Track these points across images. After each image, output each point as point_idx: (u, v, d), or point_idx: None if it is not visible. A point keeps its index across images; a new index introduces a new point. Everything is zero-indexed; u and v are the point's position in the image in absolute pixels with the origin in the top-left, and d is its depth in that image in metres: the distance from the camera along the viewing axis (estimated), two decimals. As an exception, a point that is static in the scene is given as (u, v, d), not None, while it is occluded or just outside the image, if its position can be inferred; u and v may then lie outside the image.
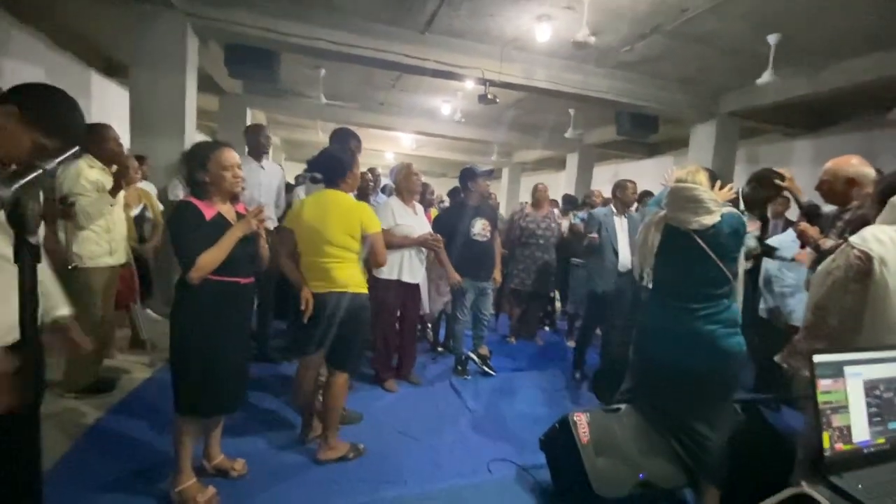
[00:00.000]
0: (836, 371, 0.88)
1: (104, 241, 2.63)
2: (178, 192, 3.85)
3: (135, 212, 3.45)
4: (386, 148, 11.74)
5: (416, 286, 3.25)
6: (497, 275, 3.60)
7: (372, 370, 3.23)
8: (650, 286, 2.15)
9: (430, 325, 4.20)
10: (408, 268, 3.11)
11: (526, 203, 4.54)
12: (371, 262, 2.23)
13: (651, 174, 9.22)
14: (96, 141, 2.60)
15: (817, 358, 0.86)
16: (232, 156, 1.77)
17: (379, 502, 1.98)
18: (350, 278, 2.13)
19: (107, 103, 6.08)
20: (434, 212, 4.11)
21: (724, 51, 4.57)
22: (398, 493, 2.05)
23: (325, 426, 2.20)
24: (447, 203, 5.22)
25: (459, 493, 2.09)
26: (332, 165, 2.20)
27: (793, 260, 3.00)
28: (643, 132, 6.20)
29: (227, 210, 1.81)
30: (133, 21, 4.02)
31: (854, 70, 4.42)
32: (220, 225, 1.74)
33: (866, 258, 1.40)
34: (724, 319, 1.97)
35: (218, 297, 1.74)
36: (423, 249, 3.16)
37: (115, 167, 2.63)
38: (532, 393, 3.35)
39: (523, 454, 2.41)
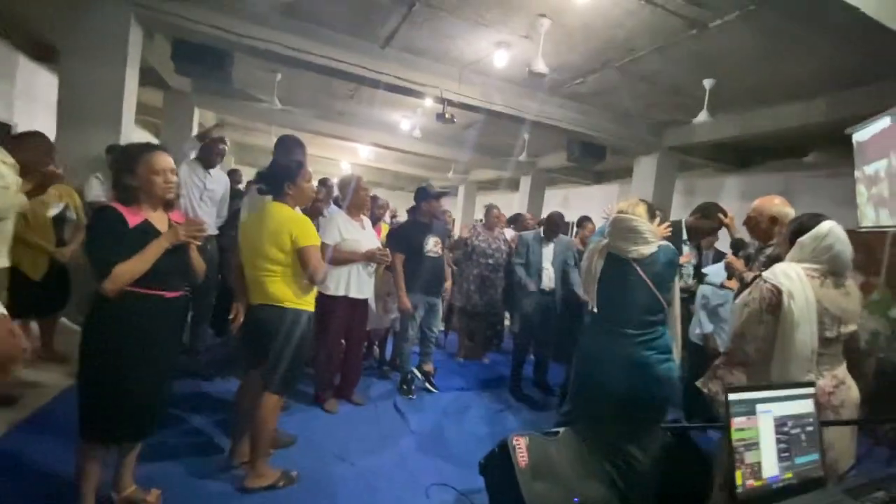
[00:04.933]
0: (750, 409, 0.93)
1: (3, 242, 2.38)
2: (96, 192, 3.58)
3: (53, 211, 3.14)
4: (342, 157, 11.55)
5: (365, 302, 3.18)
6: (447, 287, 3.65)
7: (312, 389, 3.10)
8: (594, 310, 2.22)
9: (376, 343, 4.11)
10: (355, 283, 3.03)
11: (479, 222, 4.60)
12: (307, 278, 2.08)
13: (598, 200, 9.68)
14: (24, 150, 2.37)
15: (732, 396, 0.91)
16: (164, 160, 1.65)
17: (308, 533, 1.87)
18: (284, 293, 2.03)
19: (34, 89, 5.59)
20: (385, 227, 4.05)
21: (666, 90, 4.90)
22: (330, 522, 1.95)
23: (252, 451, 2.05)
24: (399, 219, 5.19)
25: (395, 521, 2.02)
26: (275, 176, 2.11)
27: (722, 286, 3.20)
28: (591, 160, 6.50)
29: (158, 217, 1.68)
30: (71, 8, 3.74)
31: (778, 117, 4.87)
32: (146, 233, 1.60)
33: (777, 291, 1.53)
34: (659, 346, 2.06)
35: (140, 311, 1.60)
36: (372, 264, 3.10)
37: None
38: (477, 413, 3.34)
39: (464, 477, 2.37)
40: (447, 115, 5.20)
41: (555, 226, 3.81)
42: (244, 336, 2.07)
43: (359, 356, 3.29)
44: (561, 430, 2.22)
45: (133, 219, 1.59)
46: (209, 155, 3.31)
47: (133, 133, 4.24)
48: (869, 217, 4.03)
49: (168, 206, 1.73)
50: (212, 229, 3.28)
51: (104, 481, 1.73)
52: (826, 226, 1.61)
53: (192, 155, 3.32)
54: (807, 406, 1.02)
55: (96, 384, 1.60)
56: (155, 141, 7.17)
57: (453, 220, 5.27)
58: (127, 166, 1.61)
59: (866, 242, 4.99)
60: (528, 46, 4.17)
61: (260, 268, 2.02)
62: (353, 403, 3.16)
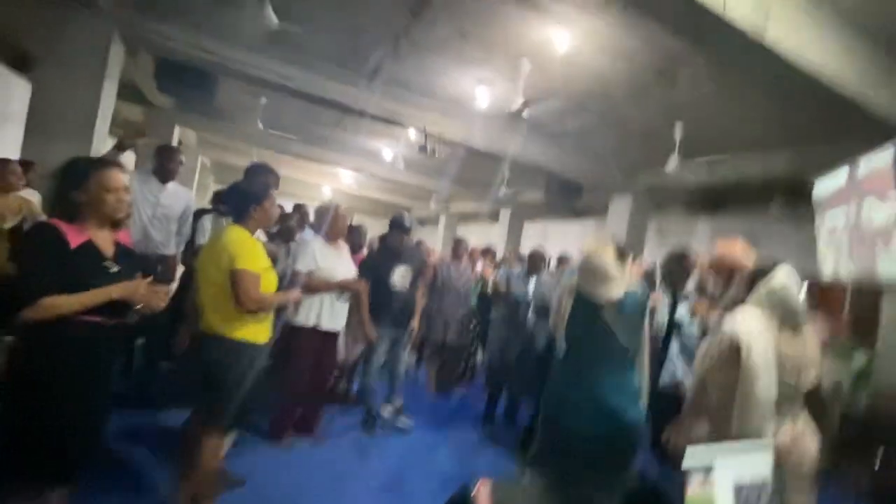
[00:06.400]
0: (706, 470, 0.90)
1: None
2: None
3: (10, 223, 3.00)
4: (325, 182, 11.54)
5: (336, 334, 3.06)
6: (414, 323, 3.55)
7: (266, 425, 2.94)
8: (563, 352, 2.20)
9: (343, 375, 3.96)
10: (328, 313, 2.92)
11: (447, 255, 4.59)
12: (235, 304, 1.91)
13: (575, 235, 9.82)
14: None
15: (689, 457, 0.88)
16: (118, 178, 1.55)
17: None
18: (220, 320, 1.90)
19: (10, 98, 5.43)
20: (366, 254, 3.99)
21: (640, 134, 5.09)
22: (274, 574, 1.81)
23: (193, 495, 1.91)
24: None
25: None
26: (239, 199, 2.05)
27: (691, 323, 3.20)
28: (569, 197, 6.65)
29: (104, 237, 1.55)
30: (51, 17, 3.69)
31: (742, 166, 5.10)
32: (89, 256, 1.47)
33: (736, 339, 1.54)
34: (626, 390, 2.03)
35: (73, 338, 1.43)
36: (345, 294, 3.02)
37: None
38: (444, 453, 3.21)
39: (424, 525, 2.26)
40: (429, 148, 5.27)
41: (537, 263, 3.84)
42: (187, 364, 1.95)
43: (323, 389, 3.15)
44: (527, 472, 2.16)
45: (76, 238, 1.46)
46: (163, 166, 3.09)
47: (106, 146, 4.14)
48: (829, 267, 4.18)
49: (115, 225, 1.60)
50: (167, 248, 3.10)
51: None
52: (779, 274, 1.64)
53: None
54: (764, 466, 1.00)
55: (13, 419, 1.42)
56: (132, 157, 7.06)
57: (430, 251, 5.24)
58: (76, 180, 1.50)
59: (827, 292, 5.17)
60: (509, 87, 4.30)
61: (204, 292, 1.94)
62: (313, 439, 3.00)
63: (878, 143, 3.38)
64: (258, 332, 2.00)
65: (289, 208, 4.73)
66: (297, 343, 2.85)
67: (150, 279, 1.56)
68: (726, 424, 1.54)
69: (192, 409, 2.07)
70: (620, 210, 6.60)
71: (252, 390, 2.02)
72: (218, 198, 2.16)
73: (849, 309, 5.28)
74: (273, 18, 3.25)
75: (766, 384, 1.51)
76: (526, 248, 7.72)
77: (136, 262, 1.67)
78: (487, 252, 5.46)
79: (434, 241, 11.73)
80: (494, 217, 10.62)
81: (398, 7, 3.36)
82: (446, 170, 8.18)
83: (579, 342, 2.08)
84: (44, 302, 1.37)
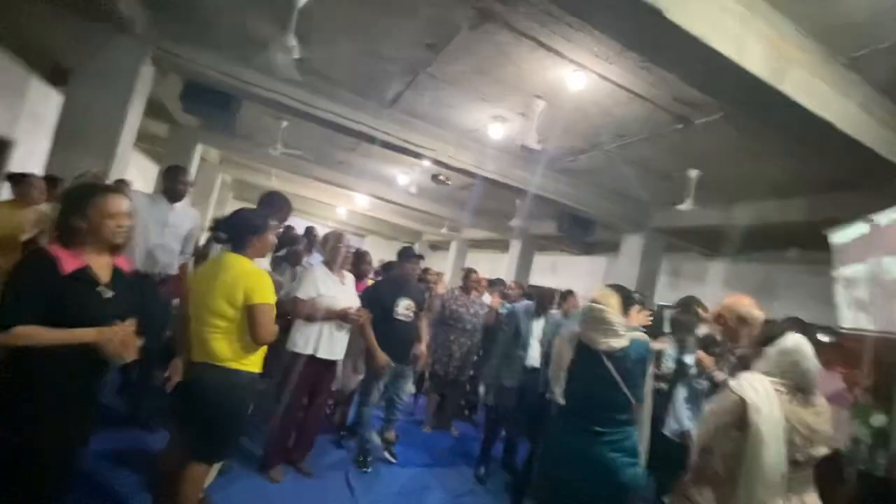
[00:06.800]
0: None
1: None
2: None
3: (27, 236, 3.07)
4: (339, 203, 11.70)
5: (334, 364, 3.02)
6: (422, 350, 3.49)
7: (258, 450, 2.88)
8: (561, 403, 2.12)
9: (337, 406, 3.87)
10: (326, 343, 2.87)
11: (456, 286, 4.53)
12: (252, 337, 1.93)
13: (585, 271, 9.73)
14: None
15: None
16: (118, 203, 1.55)
17: None
18: (228, 351, 1.88)
19: (44, 110, 5.68)
20: (371, 283, 3.98)
21: (654, 174, 5.07)
22: None
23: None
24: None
25: None
26: (239, 228, 2.02)
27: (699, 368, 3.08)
28: (580, 232, 6.59)
29: (102, 262, 1.55)
30: (89, 35, 3.87)
31: (759, 211, 5.01)
32: (81, 282, 1.46)
33: (742, 404, 1.47)
34: (626, 448, 1.95)
35: (44, 361, 1.39)
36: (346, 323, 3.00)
37: None
38: (437, 496, 3.09)
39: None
40: (441, 177, 5.32)
41: (545, 302, 3.75)
42: (176, 393, 1.92)
43: (317, 421, 3.08)
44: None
45: (71, 263, 1.45)
46: (171, 187, 3.12)
47: (128, 164, 4.26)
48: (847, 319, 4.02)
49: (115, 250, 1.60)
50: (172, 269, 3.11)
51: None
52: (791, 340, 1.57)
53: None
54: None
55: None
56: (154, 168, 7.23)
57: (439, 275, 5.14)
58: (76, 207, 1.50)
59: (847, 343, 4.97)
60: (523, 122, 4.34)
61: (206, 323, 1.90)
62: (302, 473, 2.92)
63: (897, 192, 3.30)
64: (256, 361, 2.00)
65: (300, 228, 4.79)
66: (294, 371, 2.81)
67: (131, 327, 1.52)
68: (731, 495, 1.46)
69: (175, 437, 2.03)
70: (632, 249, 6.52)
71: (246, 419, 1.99)
72: (216, 224, 2.10)
73: (867, 365, 5.06)
74: (297, 49, 3.34)
75: (774, 453, 1.43)
76: (534, 280, 7.64)
77: (132, 287, 1.67)
78: (496, 284, 5.40)
79: (444, 267, 11.72)
80: (505, 246, 10.60)
81: (417, 42, 3.45)
82: (459, 197, 8.23)
83: (579, 393, 2.01)
84: (19, 331, 1.35)
